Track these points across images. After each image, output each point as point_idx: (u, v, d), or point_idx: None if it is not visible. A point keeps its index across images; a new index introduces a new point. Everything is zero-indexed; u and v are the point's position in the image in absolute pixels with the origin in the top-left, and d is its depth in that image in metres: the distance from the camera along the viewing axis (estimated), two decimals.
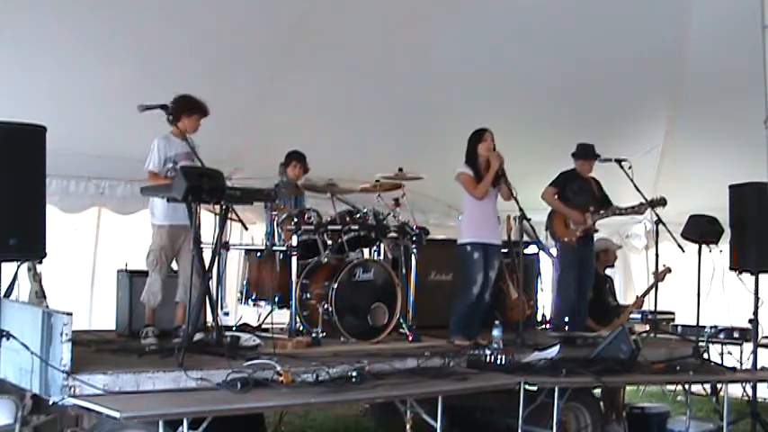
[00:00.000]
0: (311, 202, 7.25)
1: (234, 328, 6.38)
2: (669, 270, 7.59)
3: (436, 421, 4.90)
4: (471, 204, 6.69)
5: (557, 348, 5.93)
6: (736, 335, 8.18)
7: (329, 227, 6.48)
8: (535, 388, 5.22)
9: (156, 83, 6.57)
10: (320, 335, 6.12)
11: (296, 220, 6.43)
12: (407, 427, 4.99)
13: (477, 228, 6.65)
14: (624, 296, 9.69)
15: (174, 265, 5.99)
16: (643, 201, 7.31)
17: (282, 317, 6.52)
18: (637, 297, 8.01)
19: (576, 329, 7.28)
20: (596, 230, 7.53)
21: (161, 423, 3.92)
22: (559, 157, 8.03)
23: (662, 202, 7.31)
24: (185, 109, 5.80)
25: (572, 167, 7.54)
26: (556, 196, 7.40)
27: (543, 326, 8.11)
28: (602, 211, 7.42)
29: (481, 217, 6.69)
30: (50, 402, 4.28)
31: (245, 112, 7.57)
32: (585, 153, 7.46)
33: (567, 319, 7.45)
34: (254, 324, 6.75)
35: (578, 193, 7.42)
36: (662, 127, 9.61)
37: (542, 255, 8.28)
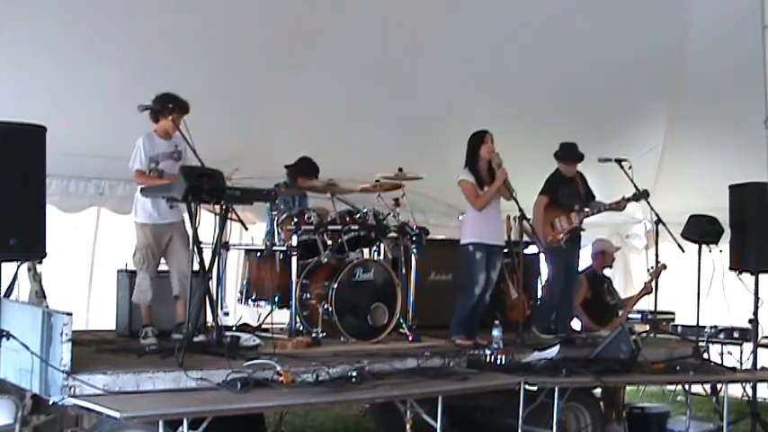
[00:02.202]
0: (311, 202, 7.26)
1: (234, 328, 6.38)
2: (665, 266, 7.58)
3: (436, 421, 4.89)
4: None
5: (557, 348, 5.93)
6: (736, 335, 8.19)
7: (329, 227, 6.48)
8: (535, 388, 5.22)
9: (155, 83, 6.52)
10: (320, 335, 6.11)
11: (296, 220, 6.43)
12: (407, 427, 4.98)
13: (481, 228, 6.64)
14: (624, 296, 9.69)
15: (164, 266, 5.98)
16: (625, 196, 7.28)
17: (282, 317, 6.51)
18: (645, 284, 7.92)
19: (563, 331, 7.26)
20: (583, 229, 7.43)
21: (161, 423, 3.92)
22: None
23: (644, 194, 7.23)
24: (165, 108, 5.72)
25: (555, 169, 7.41)
26: (547, 203, 7.22)
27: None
28: (587, 209, 7.34)
29: (484, 217, 6.66)
30: (50, 402, 4.28)
31: (244, 112, 7.57)
32: (570, 154, 7.36)
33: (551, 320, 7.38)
34: (254, 324, 6.75)
35: (569, 196, 7.32)
36: (662, 127, 9.61)
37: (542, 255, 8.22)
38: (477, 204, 6.61)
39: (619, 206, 7.38)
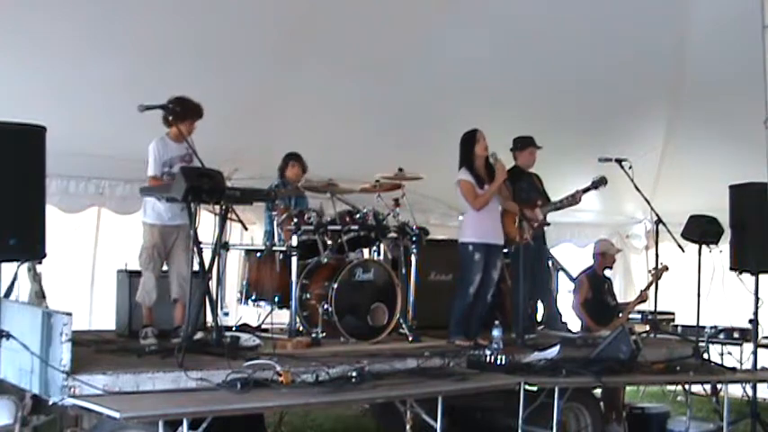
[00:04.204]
0: (311, 203, 7.25)
1: (234, 329, 6.38)
2: (666, 268, 7.58)
3: (436, 421, 4.89)
4: None
5: (557, 348, 5.93)
6: (736, 335, 8.20)
7: (329, 227, 6.48)
8: (535, 388, 5.22)
9: (155, 83, 6.57)
10: (320, 335, 6.11)
11: (296, 220, 6.43)
12: (407, 427, 4.99)
13: (480, 227, 6.62)
14: (624, 296, 9.70)
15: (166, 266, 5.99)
16: (578, 189, 7.28)
17: (282, 317, 6.52)
18: (641, 291, 7.94)
19: (553, 329, 7.26)
20: (548, 224, 7.40)
21: (161, 423, 3.92)
22: (560, 158, 8.04)
23: (602, 181, 7.26)
24: (174, 114, 5.72)
25: (513, 165, 7.30)
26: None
27: (543, 326, 8.08)
28: (551, 203, 7.33)
29: (483, 216, 6.65)
30: (50, 402, 4.28)
31: (245, 112, 7.57)
32: (530, 142, 7.32)
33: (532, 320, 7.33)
34: (254, 324, 6.75)
35: (527, 190, 7.27)
36: (662, 127, 9.61)
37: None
38: (476, 205, 6.59)
39: (575, 199, 7.34)
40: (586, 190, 7.33)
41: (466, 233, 6.67)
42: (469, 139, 6.68)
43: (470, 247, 6.59)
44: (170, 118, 5.71)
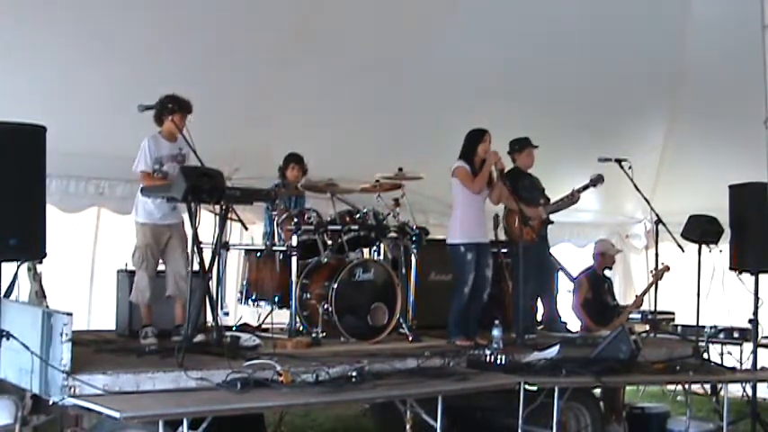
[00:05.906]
0: (311, 203, 7.25)
1: (234, 328, 6.38)
2: (667, 268, 7.57)
3: (436, 421, 4.89)
4: (464, 204, 6.66)
5: (557, 348, 5.93)
6: (736, 335, 8.19)
7: (329, 227, 6.48)
8: (535, 388, 5.22)
9: (155, 82, 6.55)
10: (320, 335, 6.11)
11: (296, 220, 6.43)
12: (407, 427, 4.98)
13: (470, 228, 6.62)
14: (624, 296, 9.70)
15: (161, 266, 5.99)
16: (574, 188, 7.30)
17: (282, 317, 6.52)
18: (636, 296, 7.98)
19: (554, 330, 7.28)
20: (551, 222, 7.41)
21: (161, 423, 3.93)
22: (559, 158, 8.04)
23: (599, 179, 7.30)
24: (166, 109, 5.73)
25: (513, 166, 7.30)
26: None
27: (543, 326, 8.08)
28: (551, 203, 7.34)
29: (473, 217, 6.66)
30: (50, 402, 4.29)
31: (244, 112, 7.57)
32: (524, 144, 7.31)
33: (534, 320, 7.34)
34: (254, 324, 6.75)
35: (529, 189, 7.28)
36: (662, 127, 9.62)
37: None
38: (475, 187, 6.56)
39: (573, 198, 7.37)
40: (584, 188, 7.35)
41: (456, 234, 6.67)
42: (476, 137, 6.69)
43: (462, 247, 6.59)
44: (163, 114, 5.71)
